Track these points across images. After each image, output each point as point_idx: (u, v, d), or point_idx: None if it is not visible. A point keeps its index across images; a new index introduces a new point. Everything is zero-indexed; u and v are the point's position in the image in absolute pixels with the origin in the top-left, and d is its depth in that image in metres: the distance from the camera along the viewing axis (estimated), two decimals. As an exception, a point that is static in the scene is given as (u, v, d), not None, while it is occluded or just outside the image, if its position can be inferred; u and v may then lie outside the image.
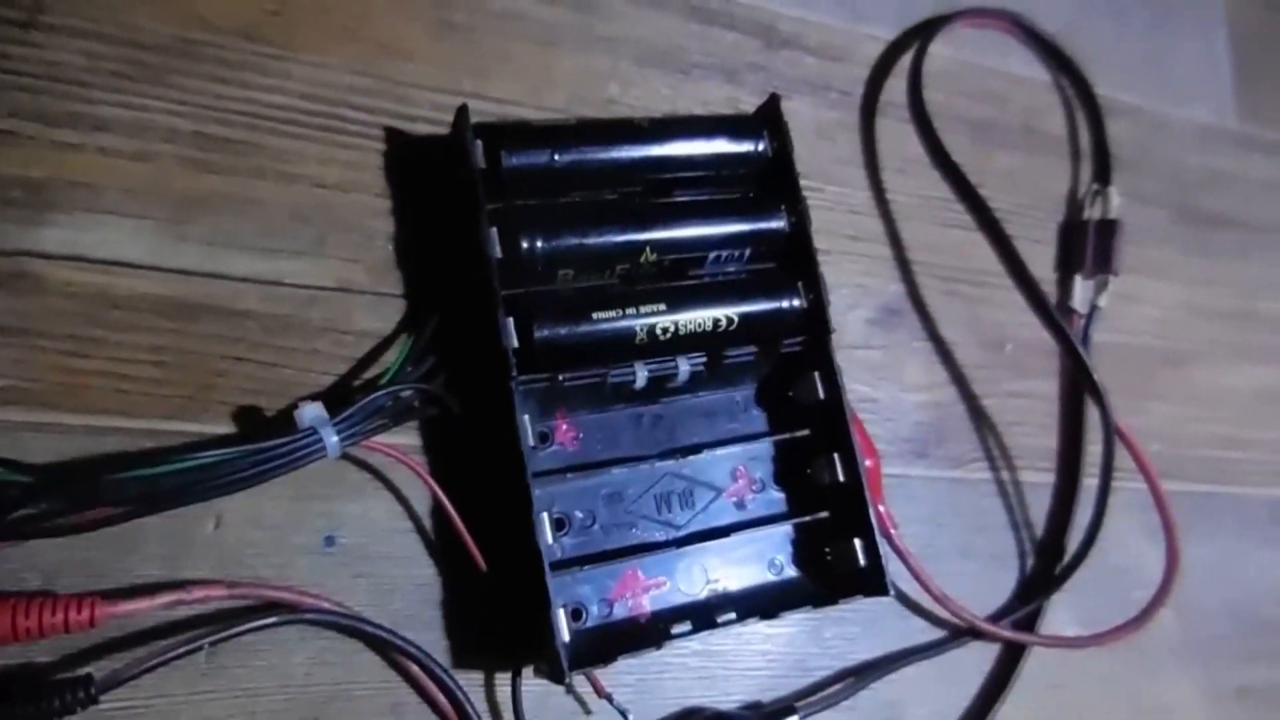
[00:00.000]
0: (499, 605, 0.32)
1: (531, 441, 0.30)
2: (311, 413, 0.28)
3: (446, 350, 0.32)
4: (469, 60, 0.37)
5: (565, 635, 0.29)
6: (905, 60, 0.46)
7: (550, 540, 0.30)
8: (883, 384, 0.42)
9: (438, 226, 0.34)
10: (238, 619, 0.28)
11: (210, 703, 0.29)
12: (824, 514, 0.35)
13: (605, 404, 0.34)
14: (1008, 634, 0.40)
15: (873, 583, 0.34)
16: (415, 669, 0.31)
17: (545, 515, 0.30)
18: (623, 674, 0.34)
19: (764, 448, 0.36)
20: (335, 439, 0.28)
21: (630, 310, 0.32)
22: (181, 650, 0.26)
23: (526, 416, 0.30)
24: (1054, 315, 0.42)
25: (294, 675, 0.30)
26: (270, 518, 0.31)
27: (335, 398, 0.32)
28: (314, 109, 0.34)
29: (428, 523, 0.33)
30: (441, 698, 0.31)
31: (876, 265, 0.43)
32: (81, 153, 0.31)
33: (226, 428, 0.31)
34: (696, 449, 0.34)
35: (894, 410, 0.42)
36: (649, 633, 0.33)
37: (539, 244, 0.32)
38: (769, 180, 0.36)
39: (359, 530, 0.32)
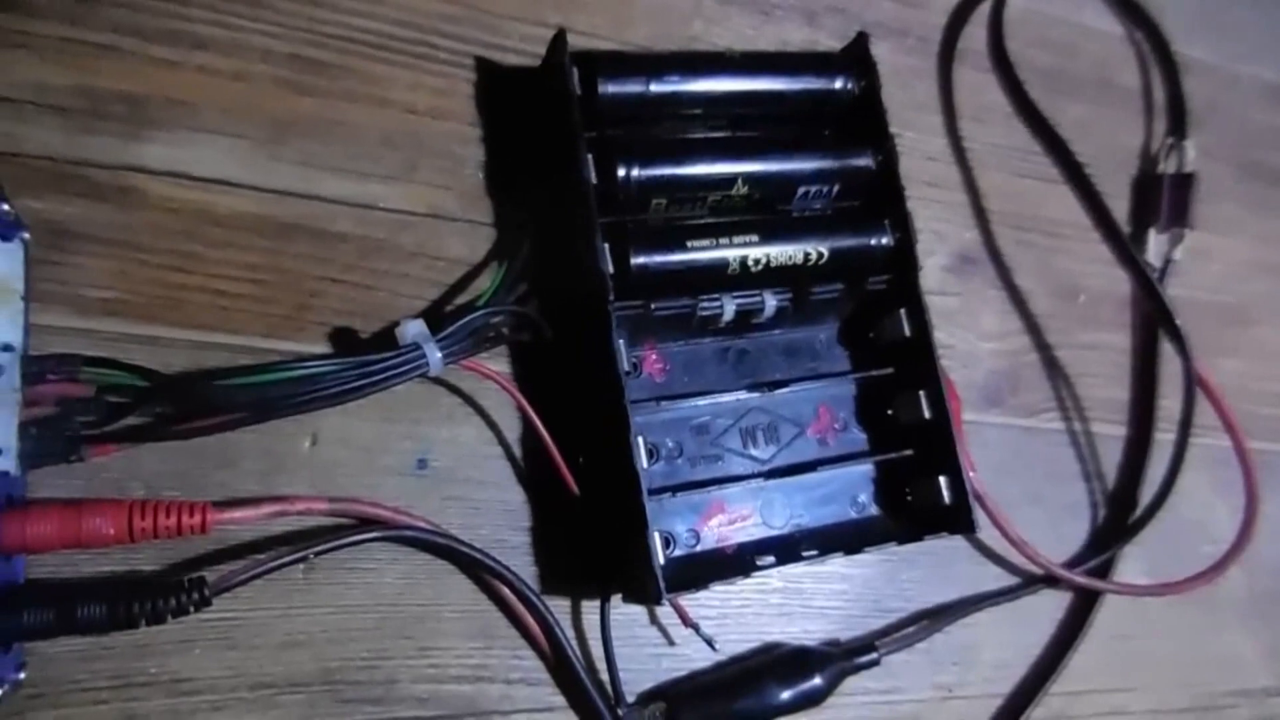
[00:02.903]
0: (588, 531, 0.32)
1: (625, 367, 0.30)
2: (414, 329, 0.28)
3: (536, 278, 0.32)
4: (554, -8, 0.37)
5: (660, 558, 0.29)
6: (983, 8, 0.46)
7: (645, 465, 0.30)
8: (958, 331, 0.42)
9: (527, 155, 0.34)
10: (335, 535, 0.29)
11: (303, 616, 0.29)
12: (908, 452, 0.35)
13: (692, 336, 0.34)
14: (1084, 581, 0.39)
15: (959, 520, 0.33)
16: (506, 592, 0.31)
17: (640, 440, 0.30)
18: (704, 606, 0.34)
19: (847, 385, 0.36)
20: (438, 355, 0.28)
21: (724, 240, 0.32)
22: (290, 559, 0.26)
23: (621, 342, 0.30)
24: (1138, 260, 0.41)
25: (386, 593, 0.30)
26: (362, 438, 0.31)
27: (429, 321, 0.32)
28: (405, 35, 0.34)
29: (516, 448, 0.33)
30: (531, 622, 0.31)
31: (952, 212, 0.43)
32: (180, 70, 0.31)
33: (322, 347, 0.31)
34: (781, 384, 0.34)
35: (968, 358, 0.42)
36: (735, 563, 0.33)
37: (635, 172, 0.32)
38: (854, 118, 0.36)
39: (449, 453, 0.32)
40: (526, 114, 0.35)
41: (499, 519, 0.32)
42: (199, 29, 0.31)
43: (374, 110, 0.33)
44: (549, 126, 0.33)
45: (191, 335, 0.30)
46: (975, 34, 0.45)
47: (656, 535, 0.29)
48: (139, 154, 0.30)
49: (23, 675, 0.26)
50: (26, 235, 0.27)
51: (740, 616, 0.35)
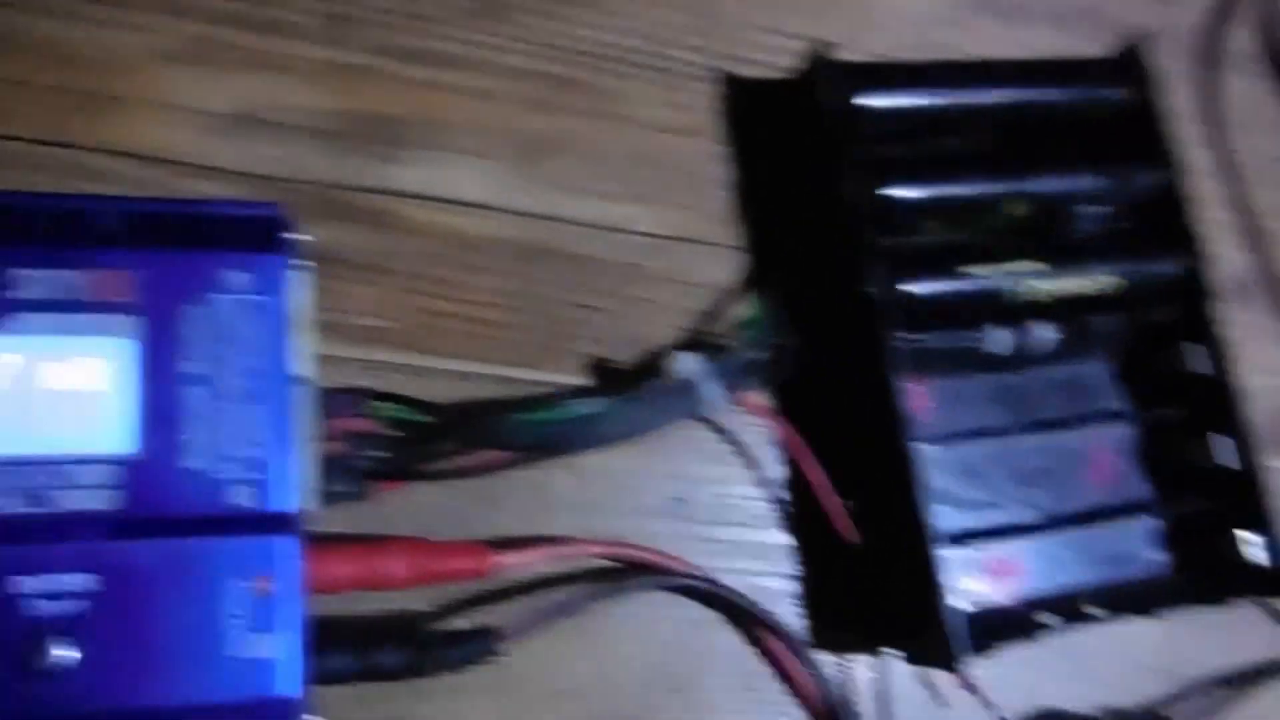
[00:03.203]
0: (859, 580, 0.29)
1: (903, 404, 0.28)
2: (689, 364, 0.26)
3: (791, 306, 0.30)
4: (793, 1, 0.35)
5: (952, 620, 0.27)
6: (1248, 5, 0.41)
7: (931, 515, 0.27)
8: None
9: (776, 173, 0.32)
10: (612, 581, 0.27)
11: (573, 666, 0.28)
12: (1204, 503, 0.31)
13: (962, 369, 0.31)
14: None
15: (1273, 581, 0.30)
16: (776, 645, 0.29)
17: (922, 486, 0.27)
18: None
19: (1130, 427, 0.32)
20: (718, 391, 0.26)
21: (1001, 266, 0.29)
22: (575, 607, 0.25)
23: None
24: None
25: (654, 644, 0.28)
26: (620, 476, 0.29)
27: (687, 351, 0.30)
28: (648, 49, 0.32)
29: (775, 488, 0.30)
30: (803, 677, 0.29)
31: (1222, 232, 0.39)
32: (433, 90, 0.30)
33: (580, 378, 0.29)
34: (1059, 424, 0.31)
35: (1243, 395, 0.38)
36: (1017, 623, 0.29)
37: (900, 192, 0.29)
38: (1126, 132, 0.33)
39: (705, 492, 0.30)
40: (774, 130, 0.32)
41: (757, 563, 0.30)
42: (450, 47, 0.30)
43: (620, 128, 0.31)
44: (802, 143, 0.31)
45: (450, 364, 0.28)
46: (1241, 34, 0.41)
47: (948, 594, 0.27)
48: (395, 176, 0.29)
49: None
50: (313, 264, 0.26)
51: (1010, 676, 0.32)
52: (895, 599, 0.28)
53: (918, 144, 0.31)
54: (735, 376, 0.27)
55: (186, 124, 0.28)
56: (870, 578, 0.29)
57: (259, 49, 0.29)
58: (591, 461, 0.29)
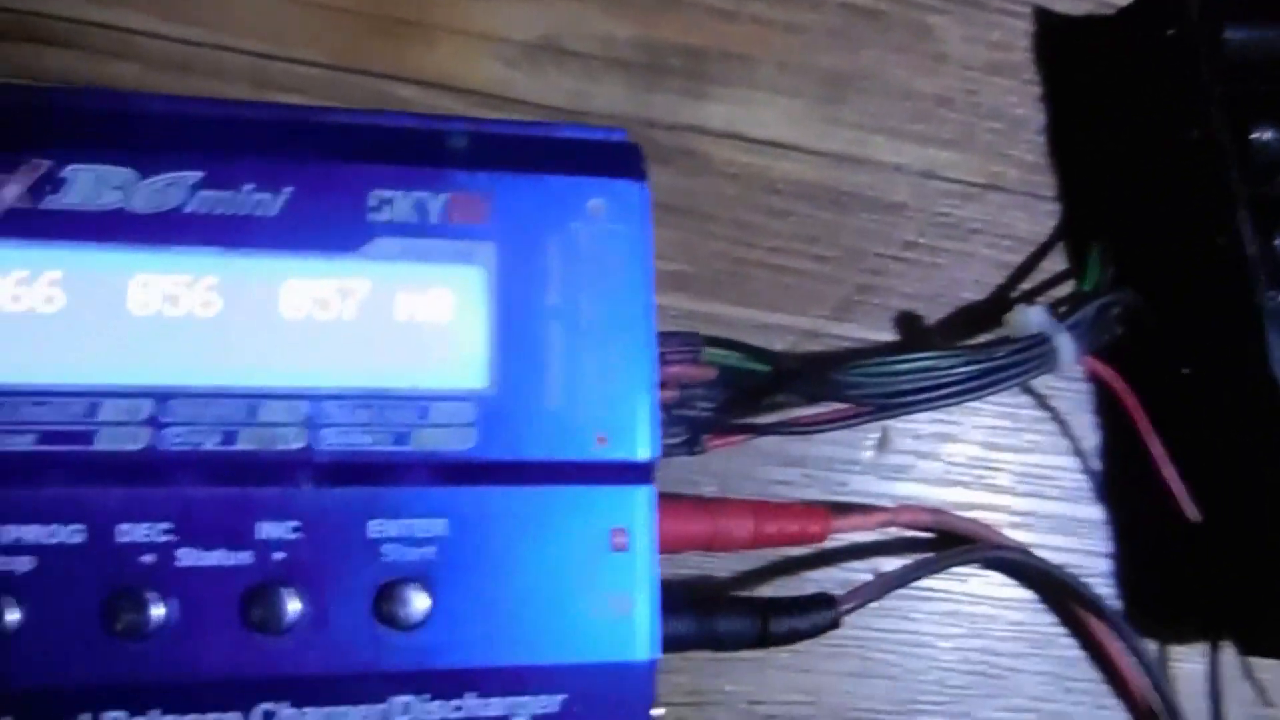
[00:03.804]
0: (1199, 563, 0.27)
1: (1281, 370, 0.25)
2: (1038, 317, 0.24)
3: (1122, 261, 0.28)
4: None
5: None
6: None
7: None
8: None
9: (1108, 117, 0.29)
10: (919, 550, 0.25)
11: (881, 643, 0.26)
12: None
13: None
14: None
15: None
16: (1096, 625, 0.26)
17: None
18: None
19: None
20: (1072, 347, 0.24)
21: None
22: (912, 576, 0.23)
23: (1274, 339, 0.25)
24: None
25: (963, 622, 0.27)
26: (928, 442, 0.27)
27: (997, 308, 0.28)
28: (955, -20, 0.30)
29: (1093, 459, 0.28)
30: (1123, 662, 0.26)
31: None
32: (737, 21, 0.28)
33: (889, 334, 0.27)
34: None
35: None
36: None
37: (1269, 136, 0.26)
38: None
39: (1015, 462, 0.28)
40: (1104, 69, 0.29)
41: (1070, 539, 0.28)
42: (751, -25, 0.29)
43: (929, 65, 0.29)
44: (1145, 82, 0.28)
45: (755, 315, 0.27)
46: None
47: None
48: (700, 113, 0.27)
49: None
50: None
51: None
52: (1245, 582, 0.26)
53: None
54: (1087, 332, 0.24)
55: (487, 54, 0.26)
56: (1215, 558, 0.26)
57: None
58: (897, 426, 0.27)
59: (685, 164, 0.27)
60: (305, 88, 0.26)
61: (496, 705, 0.20)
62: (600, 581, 0.20)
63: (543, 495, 0.20)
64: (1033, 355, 0.23)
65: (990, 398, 0.27)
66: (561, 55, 0.27)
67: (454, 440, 0.20)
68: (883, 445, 0.27)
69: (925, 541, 0.27)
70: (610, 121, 0.26)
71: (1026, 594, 0.27)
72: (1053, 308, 0.25)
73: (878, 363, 0.22)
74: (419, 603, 0.20)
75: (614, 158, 0.21)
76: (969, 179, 0.29)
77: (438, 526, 0.20)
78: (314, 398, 0.19)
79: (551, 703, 0.20)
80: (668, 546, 0.21)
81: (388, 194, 0.20)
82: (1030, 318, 0.24)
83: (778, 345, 0.26)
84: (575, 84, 0.27)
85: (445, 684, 0.20)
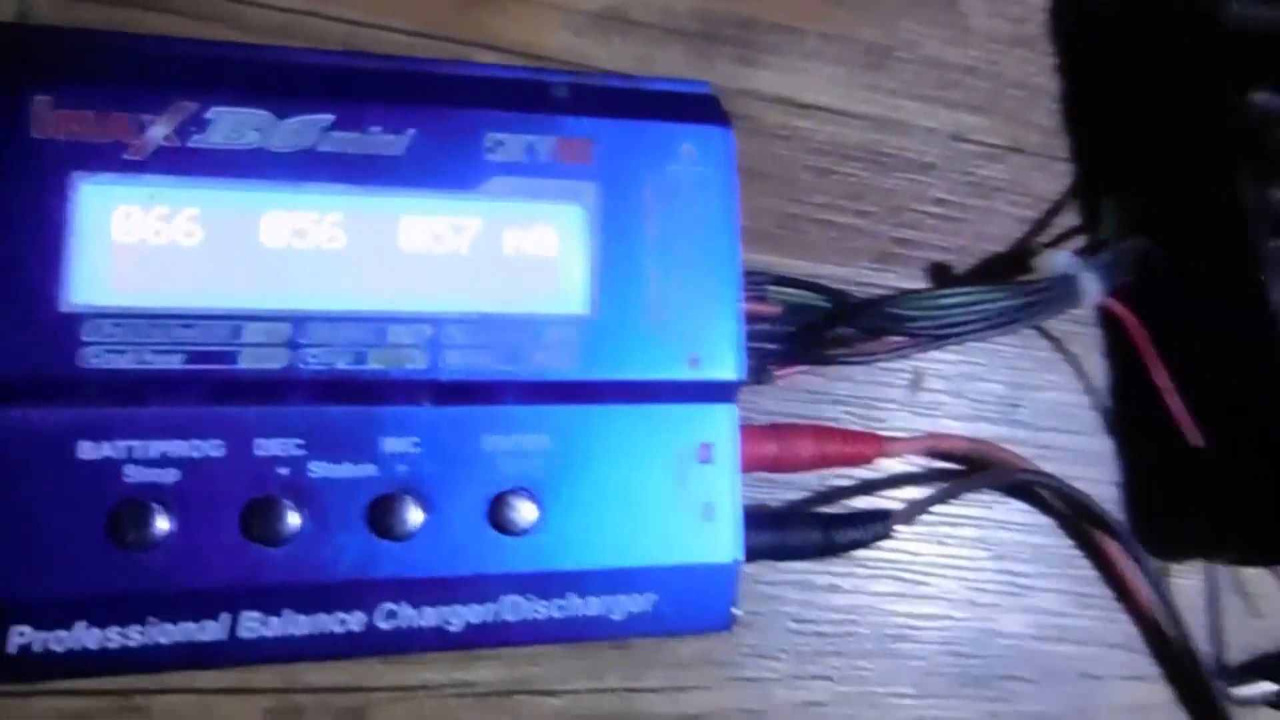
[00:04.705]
0: (1201, 486, 0.30)
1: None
2: (1065, 259, 0.27)
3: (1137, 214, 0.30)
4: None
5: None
6: None
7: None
8: None
9: (1122, 84, 0.32)
10: (962, 480, 0.28)
11: (914, 563, 0.29)
12: None
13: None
14: None
15: None
16: (1109, 546, 0.29)
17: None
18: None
19: None
20: (1097, 285, 0.26)
21: (1359, 176, 0.29)
22: (955, 493, 0.25)
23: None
24: None
25: (992, 545, 0.29)
26: (957, 380, 0.30)
27: (1018, 259, 0.31)
28: (978, -40, 0.33)
29: (1106, 395, 0.31)
30: (1133, 579, 0.29)
31: None
32: (784, -8, 0.30)
33: (923, 281, 0.30)
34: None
35: None
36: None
37: (1266, 98, 0.29)
38: None
39: (1037, 400, 0.30)
40: (1112, 39, 0.32)
41: (1088, 469, 0.30)
42: (798, -50, 0.31)
43: (957, 38, 0.32)
44: (1153, 50, 0.30)
45: (805, 265, 0.29)
46: None
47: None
48: (753, 80, 0.29)
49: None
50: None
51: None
52: (1241, 498, 0.28)
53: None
54: (1108, 273, 0.27)
55: (557, 23, 0.28)
56: (1216, 480, 0.29)
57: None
58: (927, 366, 0.30)
59: (740, 126, 0.28)
60: (393, 53, 0.27)
61: (595, 605, 0.22)
62: (689, 491, 0.23)
63: (638, 412, 0.23)
64: (1061, 292, 0.26)
65: (1011, 342, 0.30)
66: (626, 25, 0.29)
67: (559, 361, 0.22)
68: (915, 385, 0.29)
69: (955, 473, 0.29)
70: (673, 87, 0.29)
71: (1046, 520, 0.30)
72: (1076, 252, 0.28)
73: (929, 296, 0.25)
74: (528, 511, 0.22)
75: (701, 107, 0.24)
76: (993, 141, 0.31)
77: (545, 441, 0.22)
78: (437, 321, 0.21)
79: (645, 601, 0.23)
80: (743, 466, 0.24)
81: (502, 136, 0.22)
82: (1058, 260, 0.27)
83: (825, 292, 0.29)
84: (640, 50, 0.29)
85: (550, 585, 0.22)
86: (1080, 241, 0.31)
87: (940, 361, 0.30)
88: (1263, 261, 0.27)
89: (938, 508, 0.29)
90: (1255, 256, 0.27)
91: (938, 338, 0.25)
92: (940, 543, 0.29)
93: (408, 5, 0.28)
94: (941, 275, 0.30)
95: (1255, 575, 0.31)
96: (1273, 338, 0.27)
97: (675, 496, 0.23)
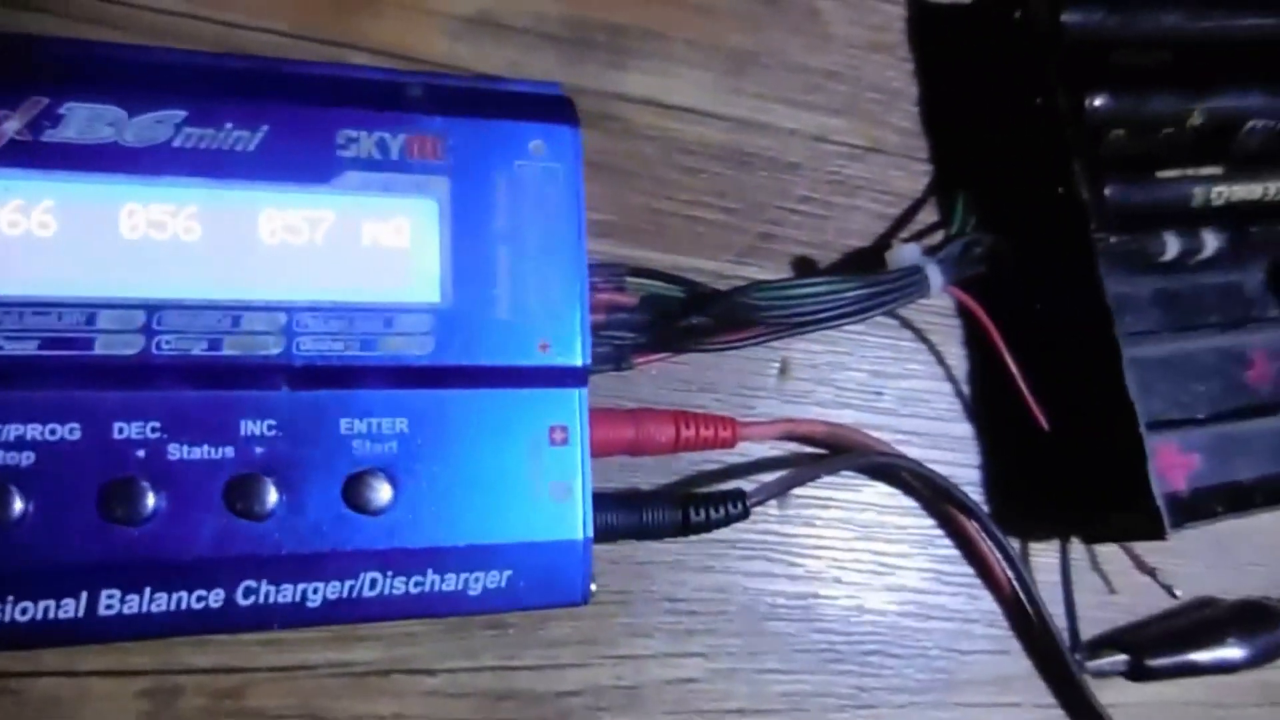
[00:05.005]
0: (1050, 468, 0.31)
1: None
2: (910, 251, 0.28)
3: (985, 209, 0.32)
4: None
5: (1164, 488, 0.29)
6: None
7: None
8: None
9: (971, 87, 0.34)
10: (834, 460, 0.29)
11: (781, 543, 0.30)
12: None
13: (1131, 272, 0.33)
14: None
15: None
16: (967, 525, 0.31)
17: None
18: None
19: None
20: (940, 277, 0.28)
21: (1190, 172, 0.31)
22: (813, 474, 0.27)
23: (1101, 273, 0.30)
24: None
25: (856, 526, 0.31)
26: (823, 370, 0.31)
27: (879, 254, 0.32)
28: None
29: (964, 383, 0.32)
30: (993, 562, 0.31)
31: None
32: (654, 3, 0.32)
33: (786, 274, 0.31)
34: (1220, 327, 0.33)
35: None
36: (1187, 508, 0.31)
37: (1099, 102, 0.31)
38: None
39: (899, 387, 0.32)
40: (968, 47, 0.34)
41: (946, 453, 0.32)
42: (668, -39, 0.32)
43: (818, 44, 0.33)
44: (998, 58, 0.32)
45: (673, 259, 0.30)
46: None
47: (1154, 470, 0.29)
48: (622, 83, 0.31)
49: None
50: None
51: (1169, 564, 0.34)
52: (1096, 480, 0.30)
53: (1109, 59, 0.32)
54: (953, 264, 0.29)
55: (431, 27, 0.29)
56: (1064, 463, 0.31)
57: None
58: (795, 355, 0.31)
59: (609, 127, 0.30)
60: (268, 54, 0.28)
61: (452, 580, 0.23)
62: (542, 471, 0.24)
63: (491, 396, 0.24)
64: (909, 282, 0.28)
65: (875, 332, 0.31)
66: (499, 30, 0.30)
67: (414, 347, 0.23)
68: (783, 373, 0.31)
69: (819, 458, 0.31)
70: (542, 89, 0.30)
71: (909, 502, 0.31)
72: (923, 246, 0.29)
73: (781, 285, 0.26)
74: (383, 490, 0.22)
75: (551, 106, 0.25)
76: (854, 142, 0.33)
77: (400, 424, 0.23)
78: (290, 309, 0.22)
79: (500, 577, 0.23)
80: (600, 450, 0.25)
81: (354, 133, 0.23)
82: (905, 253, 0.28)
83: (692, 285, 0.30)
84: (512, 55, 0.30)
85: (406, 562, 0.23)
86: (938, 236, 0.32)
87: (808, 351, 0.31)
88: (1097, 254, 0.29)
89: (807, 491, 0.30)
90: (1090, 250, 0.29)
91: (791, 326, 0.26)
92: (809, 524, 0.31)
93: (284, 8, 0.28)
94: (804, 268, 0.31)
95: (1109, 553, 0.33)
96: (1106, 326, 0.29)
97: (528, 477, 0.24)
